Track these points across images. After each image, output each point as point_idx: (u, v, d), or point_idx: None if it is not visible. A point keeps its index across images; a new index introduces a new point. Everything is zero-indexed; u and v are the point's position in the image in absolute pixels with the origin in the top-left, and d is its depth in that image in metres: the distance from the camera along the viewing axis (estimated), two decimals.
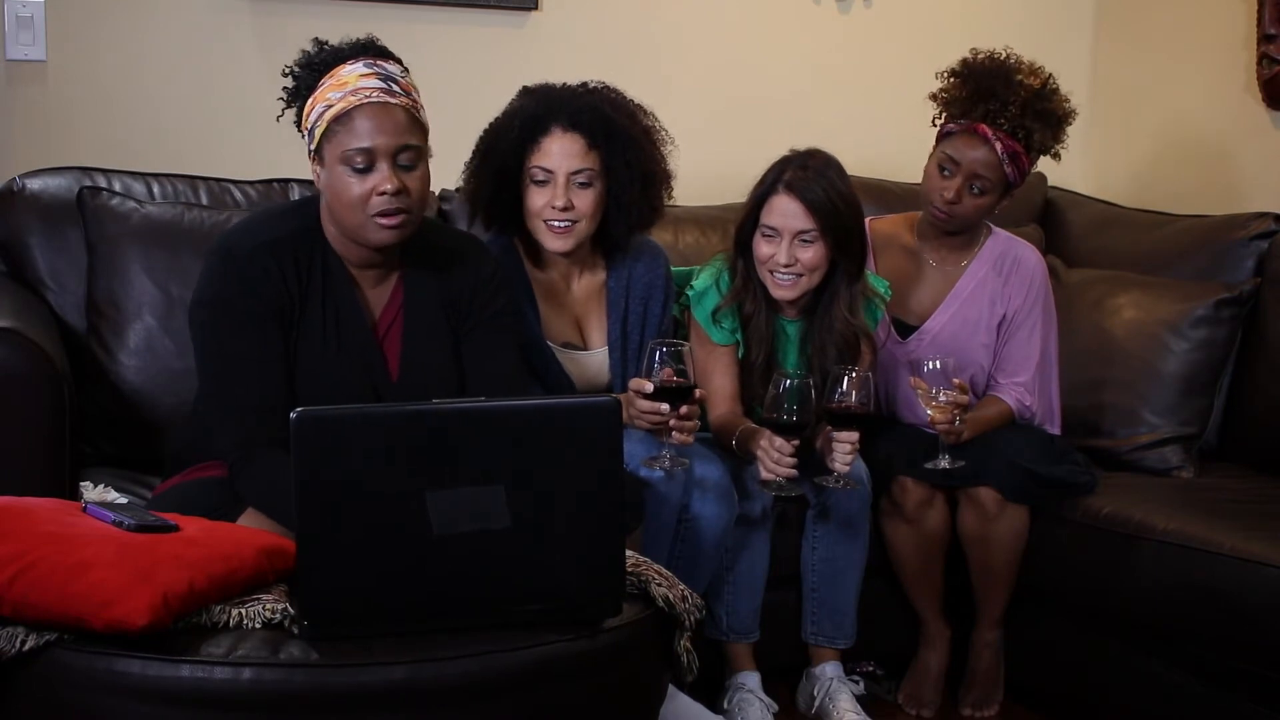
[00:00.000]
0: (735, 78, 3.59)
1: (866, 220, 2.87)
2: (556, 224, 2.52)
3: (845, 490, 2.62)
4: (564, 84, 2.61)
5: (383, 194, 2.11)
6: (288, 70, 2.21)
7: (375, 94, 2.11)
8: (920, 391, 2.60)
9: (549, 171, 2.51)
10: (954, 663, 2.88)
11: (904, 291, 2.89)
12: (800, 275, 2.63)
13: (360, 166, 2.11)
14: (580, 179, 2.51)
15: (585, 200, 2.52)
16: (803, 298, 2.69)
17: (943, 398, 2.56)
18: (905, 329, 2.89)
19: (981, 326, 2.87)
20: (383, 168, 2.11)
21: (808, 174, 2.61)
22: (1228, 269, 3.19)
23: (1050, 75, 2.83)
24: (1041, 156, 2.84)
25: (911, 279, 2.92)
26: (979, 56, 2.85)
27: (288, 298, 2.16)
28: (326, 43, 2.20)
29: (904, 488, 2.75)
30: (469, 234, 2.55)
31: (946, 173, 2.81)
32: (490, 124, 2.61)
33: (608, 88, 2.61)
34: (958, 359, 2.68)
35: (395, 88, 2.13)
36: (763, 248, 2.65)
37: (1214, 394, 3.11)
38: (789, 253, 2.60)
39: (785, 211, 2.61)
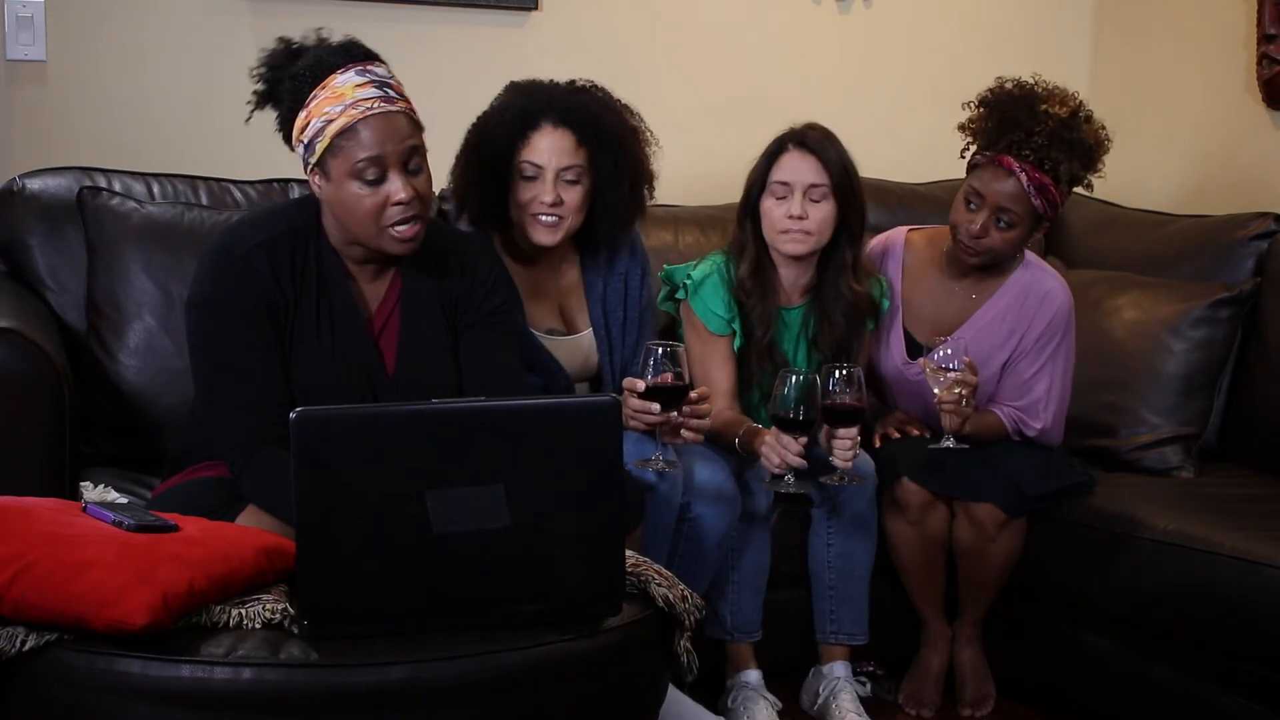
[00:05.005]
0: (735, 78, 3.59)
1: (904, 230, 2.94)
2: (544, 218, 2.54)
3: (852, 486, 2.64)
4: (552, 80, 2.63)
5: (399, 203, 2.11)
6: (255, 73, 2.20)
7: (377, 104, 2.11)
8: (929, 371, 2.58)
9: (538, 167, 2.53)
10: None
11: (923, 308, 2.86)
12: (810, 233, 2.67)
13: (372, 178, 2.11)
14: (568, 175, 2.54)
15: (572, 196, 2.54)
16: (810, 266, 2.74)
17: (950, 375, 2.54)
18: (916, 349, 2.80)
19: (994, 359, 2.80)
20: (395, 177, 2.11)
21: (817, 134, 2.72)
22: (1228, 269, 3.19)
23: (1081, 103, 2.72)
24: (1075, 187, 2.75)
25: (933, 297, 2.87)
26: (1005, 85, 2.75)
27: (283, 294, 2.16)
28: (293, 41, 2.19)
29: (906, 490, 2.75)
30: (467, 234, 2.56)
31: (973, 206, 2.72)
32: (479, 118, 2.62)
33: (596, 86, 2.64)
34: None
35: (391, 93, 2.13)
36: (774, 209, 2.69)
37: (1214, 394, 3.11)
38: (801, 206, 2.66)
39: (797, 167, 2.68)
